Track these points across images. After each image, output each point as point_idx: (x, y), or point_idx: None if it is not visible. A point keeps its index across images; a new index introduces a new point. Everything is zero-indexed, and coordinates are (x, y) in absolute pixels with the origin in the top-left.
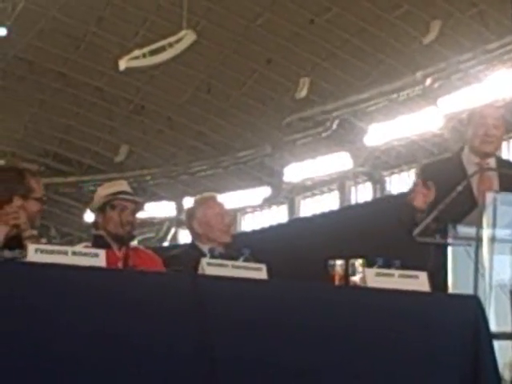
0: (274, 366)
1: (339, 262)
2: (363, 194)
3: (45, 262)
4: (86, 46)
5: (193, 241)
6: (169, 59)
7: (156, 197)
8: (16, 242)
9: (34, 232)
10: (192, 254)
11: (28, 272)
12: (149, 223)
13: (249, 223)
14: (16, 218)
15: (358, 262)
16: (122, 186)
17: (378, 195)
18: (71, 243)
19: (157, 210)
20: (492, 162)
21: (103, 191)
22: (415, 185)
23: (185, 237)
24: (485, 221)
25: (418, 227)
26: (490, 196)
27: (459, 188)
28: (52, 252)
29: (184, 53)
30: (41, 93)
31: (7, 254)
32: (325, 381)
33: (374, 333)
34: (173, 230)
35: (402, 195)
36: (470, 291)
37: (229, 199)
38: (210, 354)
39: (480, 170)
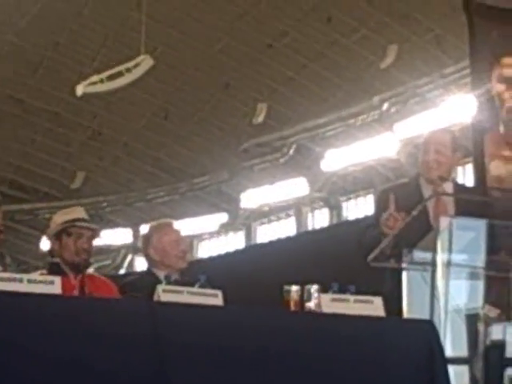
0: None
1: (295, 288)
2: (320, 219)
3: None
4: (43, 71)
5: (149, 267)
6: (126, 84)
7: (112, 224)
8: None
9: None
10: (148, 280)
11: None
12: (105, 250)
13: (206, 250)
14: None
15: (314, 288)
16: (78, 212)
17: (335, 221)
18: (27, 271)
19: (113, 237)
20: (449, 186)
21: (59, 218)
22: (390, 204)
23: (141, 264)
24: (440, 245)
25: (372, 251)
26: (444, 220)
27: (414, 213)
28: (7, 279)
29: (142, 78)
30: None
31: None
32: None
33: (329, 358)
34: (129, 257)
35: (359, 221)
36: (425, 316)
37: (186, 226)
38: (166, 378)
39: (435, 194)
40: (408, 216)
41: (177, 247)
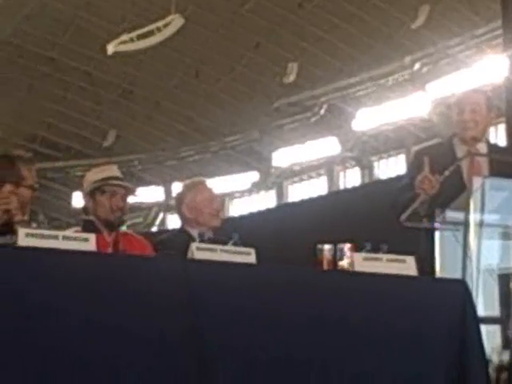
0: (261, 350)
1: (327, 247)
2: (351, 179)
3: (35, 246)
4: (74, 30)
5: (182, 225)
6: (157, 43)
7: (144, 182)
8: (7, 228)
9: (25, 217)
10: (181, 238)
11: (18, 256)
12: (137, 208)
13: (237, 208)
14: (7, 202)
15: (346, 247)
16: (112, 171)
17: (367, 180)
18: (59, 228)
19: (145, 195)
20: (483, 147)
21: (93, 176)
22: (424, 166)
23: (173, 222)
24: (472, 205)
25: (405, 212)
26: (477, 181)
27: (446, 173)
28: (42, 236)
29: (172, 37)
30: (29, 77)
31: None
32: (313, 364)
33: (362, 317)
34: (161, 215)
35: (391, 180)
36: (457, 276)
37: (217, 184)
38: (199, 337)
39: (468, 154)
40: (442, 178)
41: (210, 205)
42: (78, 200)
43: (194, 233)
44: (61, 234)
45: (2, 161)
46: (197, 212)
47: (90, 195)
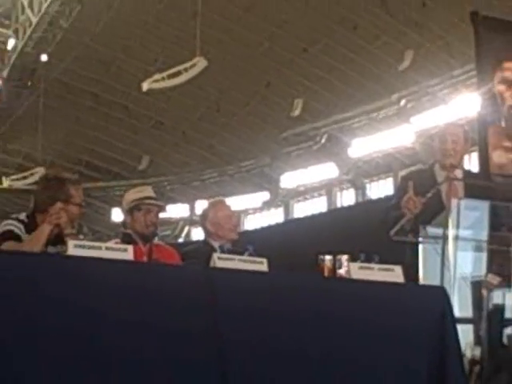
0: (272, 347)
1: (328, 257)
2: (347, 198)
3: (82, 255)
4: (114, 70)
5: (205, 238)
6: (184, 82)
7: (172, 200)
8: (58, 239)
9: (73, 230)
10: (205, 249)
11: (68, 264)
12: (166, 222)
13: (251, 223)
14: (58, 217)
15: (344, 257)
16: (148, 191)
17: (360, 200)
18: (100, 239)
19: (173, 211)
20: (459, 172)
21: (131, 196)
22: (408, 189)
23: (197, 234)
24: (450, 223)
25: (393, 228)
26: (455, 202)
27: (429, 195)
28: (88, 247)
29: (197, 77)
30: (76, 110)
31: (51, 249)
32: (317, 358)
33: (357, 317)
34: (186, 229)
35: (381, 200)
36: (437, 283)
37: (234, 202)
38: (219, 335)
39: (447, 179)
40: (424, 199)
41: (229, 221)
42: (116, 215)
43: (216, 244)
44: (104, 245)
45: (53, 182)
46: (218, 227)
47: (129, 212)
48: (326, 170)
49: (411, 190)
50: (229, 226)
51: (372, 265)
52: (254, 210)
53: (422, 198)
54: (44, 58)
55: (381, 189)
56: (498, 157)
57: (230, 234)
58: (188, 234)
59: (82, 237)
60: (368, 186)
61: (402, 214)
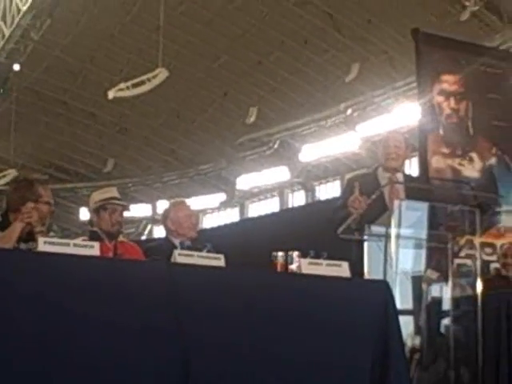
0: (229, 338)
1: (280, 254)
2: (298, 199)
3: (51, 251)
4: (82, 79)
5: (166, 235)
6: (147, 91)
7: (135, 200)
8: (30, 236)
9: (43, 228)
10: (166, 246)
11: (37, 259)
12: (130, 221)
13: (209, 222)
14: (29, 216)
15: (295, 254)
16: (113, 192)
17: (310, 201)
18: (69, 237)
19: (136, 210)
20: (400, 176)
21: (98, 196)
22: (354, 189)
23: (158, 232)
24: (393, 222)
25: (340, 226)
26: (397, 203)
27: (373, 196)
28: (57, 244)
29: (159, 86)
30: (46, 116)
31: (22, 245)
32: (269, 349)
33: (307, 309)
34: (149, 227)
35: (328, 201)
36: (380, 277)
37: (193, 202)
38: (180, 323)
39: (390, 182)
40: (368, 199)
41: (189, 220)
42: (84, 214)
43: (176, 241)
44: (72, 242)
45: (23, 184)
46: (178, 225)
47: (96, 211)
48: (279, 173)
49: (357, 190)
50: (188, 225)
51: (321, 260)
52: (211, 210)
53: (367, 198)
54: (16, 67)
55: (329, 191)
56: (436, 162)
57: (189, 232)
58: (150, 232)
59: (52, 234)
60: (317, 188)
61: (348, 214)
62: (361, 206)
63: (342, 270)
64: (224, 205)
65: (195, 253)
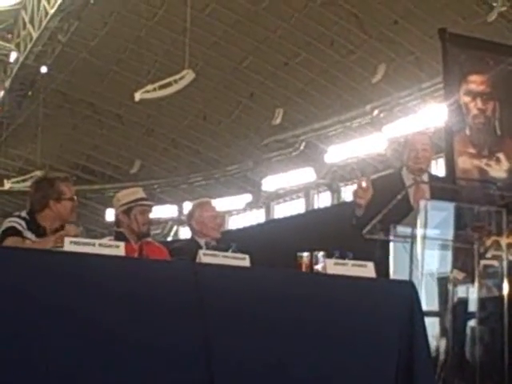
0: (256, 335)
1: (305, 254)
2: (324, 200)
3: (77, 251)
4: (109, 81)
5: (192, 236)
6: (174, 93)
7: (161, 201)
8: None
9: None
10: (191, 246)
11: (63, 259)
12: (155, 222)
13: (234, 223)
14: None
15: (320, 254)
16: (140, 193)
17: (335, 202)
18: (95, 237)
19: (162, 212)
20: (425, 176)
21: (126, 198)
22: (358, 181)
23: (184, 233)
24: (418, 223)
25: (366, 227)
26: (422, 203)
27: (399, 197)
28: (83, 244)
29: (186, 88)
30: (73, 118)
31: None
32: (296, 343)
33: (333, 309)
34: (175, 228)
35: (354, 202)
36: (406, 278)
37: (219, 204)
38: (206, 322)
39: (415, 182)
40: (367, 181)
41: (213, 221)
42: (110, 215)
43: (201, 242)
44: (97, 241)
45: (44, 183)
46: (203, 225)
47: (125, 213)
48: (305, 175)
49: (359, 179)
50: (213, 225)
51: (346, 261)
52: (237, 211)
53: (367, 179)
54: (44, 69)
55: None
56: (462, 162)
57: (213, 233)
58: (176, 233)
59: (81, 229)
60: (343, 189)
61: (355, 205)
62: (366, 194)
63: (368, 270)
64: (250, 206)
65: (220, 253)
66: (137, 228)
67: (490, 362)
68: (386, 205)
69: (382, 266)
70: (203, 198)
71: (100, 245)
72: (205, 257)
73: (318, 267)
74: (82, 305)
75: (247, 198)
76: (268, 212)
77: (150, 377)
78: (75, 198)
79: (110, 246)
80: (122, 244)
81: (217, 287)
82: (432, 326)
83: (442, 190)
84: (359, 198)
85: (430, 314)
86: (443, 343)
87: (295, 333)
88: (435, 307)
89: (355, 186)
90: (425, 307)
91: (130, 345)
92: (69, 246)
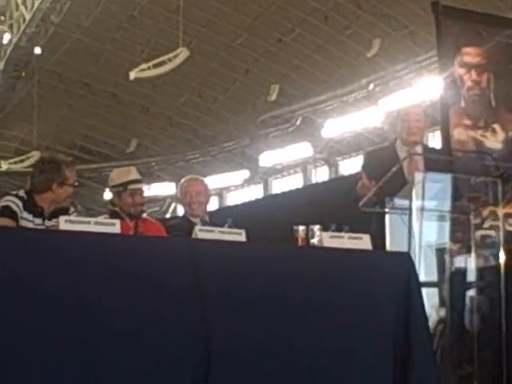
0: (252, 309)
1: (301, 228)
2: (321, 175)
3: (72, 229)
4: (103, 61)
5: (184, 214)
6: (168, 71)
7: (159, 179)
8: (55, 214)
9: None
10: (186, 223)
11: (58, 238)
12: (154, 200)
13: (232, 199)
14: None
15: (316, 228)
16: (133, 173)
17: (333, 176)
18: (93, 216)
19: (160, 189)
20: (419, 148)
21: (117, 178)
22: (361, 177)
23: (182, 210)
24: (414, 194)
25: (361, 201)
26: (418, 175)
27: (393, 169)
28: (78, 222)
29: (180, 66)
30: (68, 98)
31: (47, 223)
32: (292, 315)
33: (330, 282)
34: (173, 205)
35: (352, 176)
36: (403, 250)
37: (216, 180)
38: (203, 295)
39: (409, 155)
40: (376, 184)
41: (196, 197)
42: (108, 194)
43: (193, 219)
44: (92, 220)
45: (50, 166)
46: (189, 200)
47: (116, 194)
48: (302, 150)
49: (364, 178)
50: (196, 202)
51: (342, 234)
52: (235, 187)
53: (375, 182)
54: (37, 50)
55: (352, 166)
56: (458, 134)
57: (197, 210)
58: (174, 211)
59: (75, 214)
60: (340, 163)
61: (357, 198)
62: (368, 189)
63: (364, 242)
64: (247, 182)
65: (216, 228)
66: (127, 210)
67: (488, 331)
68: (381, 178)
69: (379, 239)
70: (190, 175)
71: (95, 223)
72: (201, 232)
73: (314, 241)
74: (78, 283)
75: (245, 174)
76: (266, 188)
77: (148, 354)
78: (77, 184)
79: (105, 224)
80: (117, 221)
81: (213, 263)
82: (431, 296)
83: (436, 161)
84: (363, 192)
85: (429, 284)
86: (442, 312)
87: (292, 307)
88: (434, 278)
89: (360, 184)
90: (424, 278)
91: (127, 322)
92: (64, 224)
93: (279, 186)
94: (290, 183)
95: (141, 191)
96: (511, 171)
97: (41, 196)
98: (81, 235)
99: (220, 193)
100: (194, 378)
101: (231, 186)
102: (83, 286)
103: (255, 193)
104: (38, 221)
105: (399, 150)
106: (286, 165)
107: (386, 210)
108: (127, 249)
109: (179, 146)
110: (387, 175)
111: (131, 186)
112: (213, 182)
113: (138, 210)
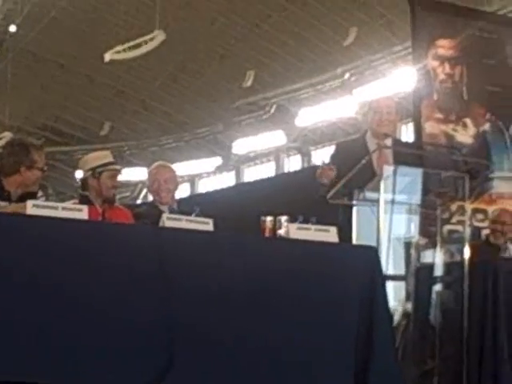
0: (217, 299)
1: (269, 219)
2: (294, 164)
3: (39, 214)
4: (79, 41)
5: (152, 200)
6: (144, 53)
7: (131, 164)
8: (23, 199)
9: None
10: (154, 210)
11: (25, 222)
12: (125, 185)
13: (204, 186)
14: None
15: (283, 219)
16: (109, 157)
17: (306, 165)
18: (64, 200)
19: (131, 174)
20: (389, 141)
21: (95, 161)
22: (323, 165)
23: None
24: (383, 187)
25: (330, 192)
26: (387, 168)
27: (363, 161)
28: (45, 207)
29: (156, 49)
30: (42, 78)
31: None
32: (255, 307)
33: (294, 273)
34: (144, 191)
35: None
36: (370, 243)
37: (188, 167)
38: (167, 279)
39: (378, 147)
40: (358, 164)
41: (164, 185)
42: (79, 177)
43: (161, 206)
44: (60, 205)
45: (18, 148)
46: (156, 188)
47: (93, 176)
48: (275, 138)
49: (323, 163)
50: (164, 189)
51: (309, 225)
52: (207, 174)
53: (335, 167)
54: (13, 28)
55: (325, 155)
56: (430, 127)
57: (165, 198)
58: (146, 196)
59: (43, 198)
60: (313, 152)
61: (320, 185)
62: (330, 175)
63: (331, 235)
64: (220, 169)
65: (183, 217)
66: (105, 191)
67: (451, 327)
68: (350, 169)
69: (345, 231)
70: (158, 162)
71: (63, 208)
72: (168, 221)
73: (281, 232)
74: (44, 269)
75: (217, 161)
76: (238, 175)
77: (111, 342)
78: (45, 168)
79: (72, 210)
80: (84, 207)
81: (179, 251)
82: (398, 289)
83: (405, 155)
84: (324, 179)
85: (397, 278)
86: (408, 307)
87: (255, 298)
88: (402, 271)
89: (320, 169)
90: (392, 271)
91: (92, 309)
92: (31, 209)
93: (251, 173)
94: (262, 171)
95: (118, 173)
96: (480, 167)
97: (8, 179)
98: (47, 220)
99: (192, 179)
100: (156, 364)
101: (203, 173)
102: (47, 271)
103: (227, 180)
104: (4, 204)
105: (369, 142)
106: (259, 153)
107: (354, 202)
108: (93, 235)
109: (152, 130)
110: (357, 167)
111: (111, 167)
112: (185, 168)
113: (111, 193)
